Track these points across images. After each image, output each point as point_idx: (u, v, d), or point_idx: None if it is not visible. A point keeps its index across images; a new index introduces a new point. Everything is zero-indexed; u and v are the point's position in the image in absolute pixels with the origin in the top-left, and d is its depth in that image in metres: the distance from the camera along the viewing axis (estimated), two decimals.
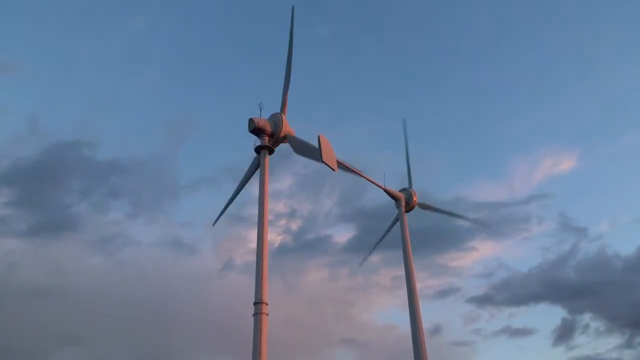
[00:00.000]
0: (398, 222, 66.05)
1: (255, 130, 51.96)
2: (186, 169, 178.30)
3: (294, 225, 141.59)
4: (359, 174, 62.40)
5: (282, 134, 52.32)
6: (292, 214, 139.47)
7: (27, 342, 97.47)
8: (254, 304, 43.90)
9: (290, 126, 53.32)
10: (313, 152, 49.06)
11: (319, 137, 54.54)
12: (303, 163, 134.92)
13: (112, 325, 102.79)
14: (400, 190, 68.01)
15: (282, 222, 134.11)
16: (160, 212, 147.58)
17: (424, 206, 69.52)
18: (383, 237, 69.68)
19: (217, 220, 59.98)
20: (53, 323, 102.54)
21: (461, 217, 73.22)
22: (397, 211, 66.69)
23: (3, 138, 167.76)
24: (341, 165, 57.19)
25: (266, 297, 44.24)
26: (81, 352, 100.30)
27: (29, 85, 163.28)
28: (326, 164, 53.99)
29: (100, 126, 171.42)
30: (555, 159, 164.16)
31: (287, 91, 53.81)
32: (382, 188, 66.08)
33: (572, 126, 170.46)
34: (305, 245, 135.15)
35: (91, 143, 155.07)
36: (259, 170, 51.92)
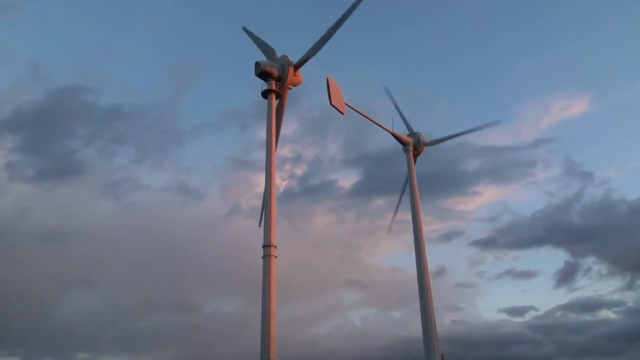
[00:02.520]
0: (406, 169, 65.48)
1: (262, 74, 50.95)
2: (190, 114, 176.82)
3: (299, 170, 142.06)
4: (368, 119, 61.70)
5: (288, 79, 51.42)
6: (297, 159, 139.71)
7: (41, 285, 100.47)
8: (263, 246, 44.48)
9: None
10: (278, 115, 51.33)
11: (327, 80, 53.78)
12: (308, 107, 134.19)
13: (123, 268, 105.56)
14: (409, 135, 67.45)
15: (287, 166, 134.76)
16: (166, 158, 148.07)
17: (432, 143, 68.53)
18: (402, 195, 67.79)
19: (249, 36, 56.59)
20: (65, 266, 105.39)
21: (469, 132, 69.68)
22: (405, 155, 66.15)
23: (5, 83, 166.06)
24: (350, 109, 56.32)
25: (275, 240, 44.81)
26: (93, 294, 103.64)
27: (30, 29, 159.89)
28: (335, 107, 53.47)
29: (103, 71, 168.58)
30: (566, 103, 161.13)
31: (317, 50, 51.14)
32: (390, 132, 65.38)
33: (585, 70, 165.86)
34: (311, 190, 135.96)
35: (94, 88, 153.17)
36: (266, 114, 51.27)
